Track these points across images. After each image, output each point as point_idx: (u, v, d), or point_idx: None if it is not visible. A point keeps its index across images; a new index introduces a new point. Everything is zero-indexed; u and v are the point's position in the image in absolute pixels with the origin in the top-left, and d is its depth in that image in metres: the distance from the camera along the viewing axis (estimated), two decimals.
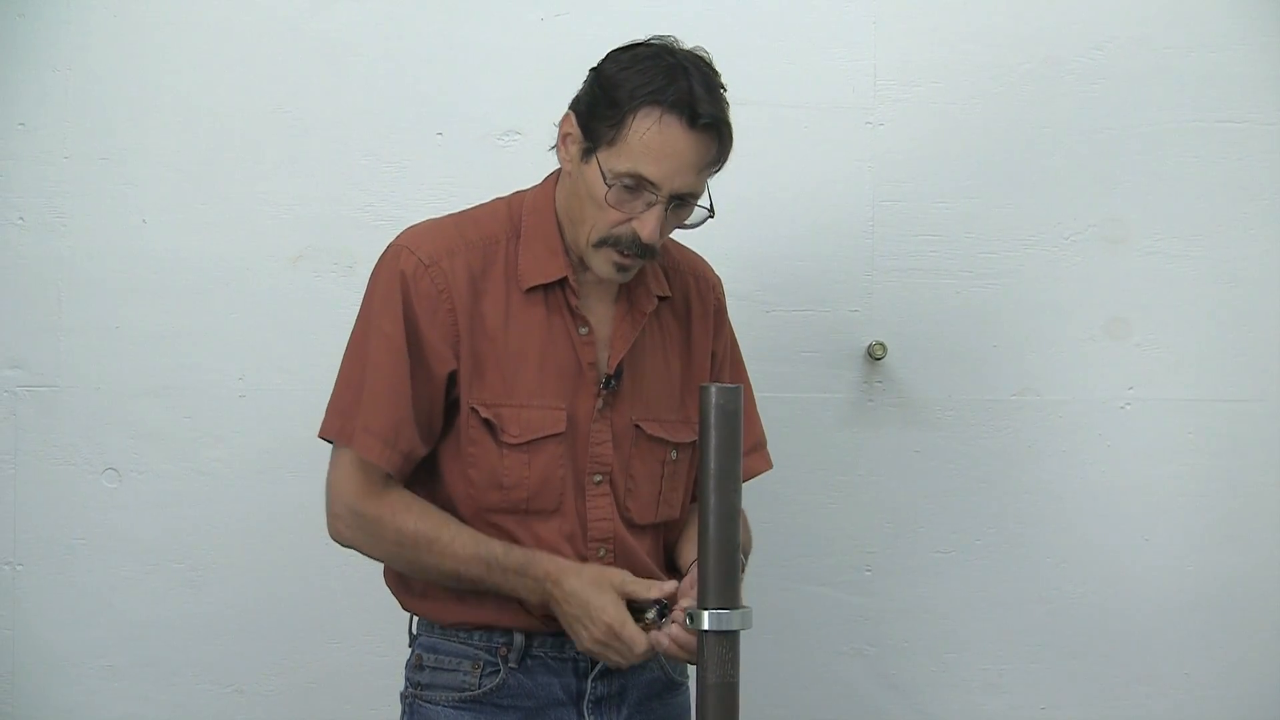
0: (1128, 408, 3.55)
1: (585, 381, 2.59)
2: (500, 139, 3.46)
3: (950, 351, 3.54)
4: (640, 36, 2.58)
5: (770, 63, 3.52)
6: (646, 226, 2.49)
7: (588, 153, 2.50)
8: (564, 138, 2.55)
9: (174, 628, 3.45)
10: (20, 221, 3.44)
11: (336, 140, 3.46)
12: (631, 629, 2.44)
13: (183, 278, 3.44)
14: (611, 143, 2.46)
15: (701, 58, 2.54)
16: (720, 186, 3.49)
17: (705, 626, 2.22)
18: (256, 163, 3.46)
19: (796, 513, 3.52)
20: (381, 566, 2.67)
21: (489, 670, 2.58)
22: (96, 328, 3.44)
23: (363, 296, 2.60)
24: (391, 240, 2.60)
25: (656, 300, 2.67)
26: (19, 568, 3.45)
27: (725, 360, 2.80)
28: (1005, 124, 3.54)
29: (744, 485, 2.51)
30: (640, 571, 2.56)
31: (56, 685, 3.45)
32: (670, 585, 2.48)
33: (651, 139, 2.45)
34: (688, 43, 2.57)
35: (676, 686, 2.72)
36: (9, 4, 3.42)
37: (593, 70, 2.55)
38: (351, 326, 2.61)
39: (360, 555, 2.62)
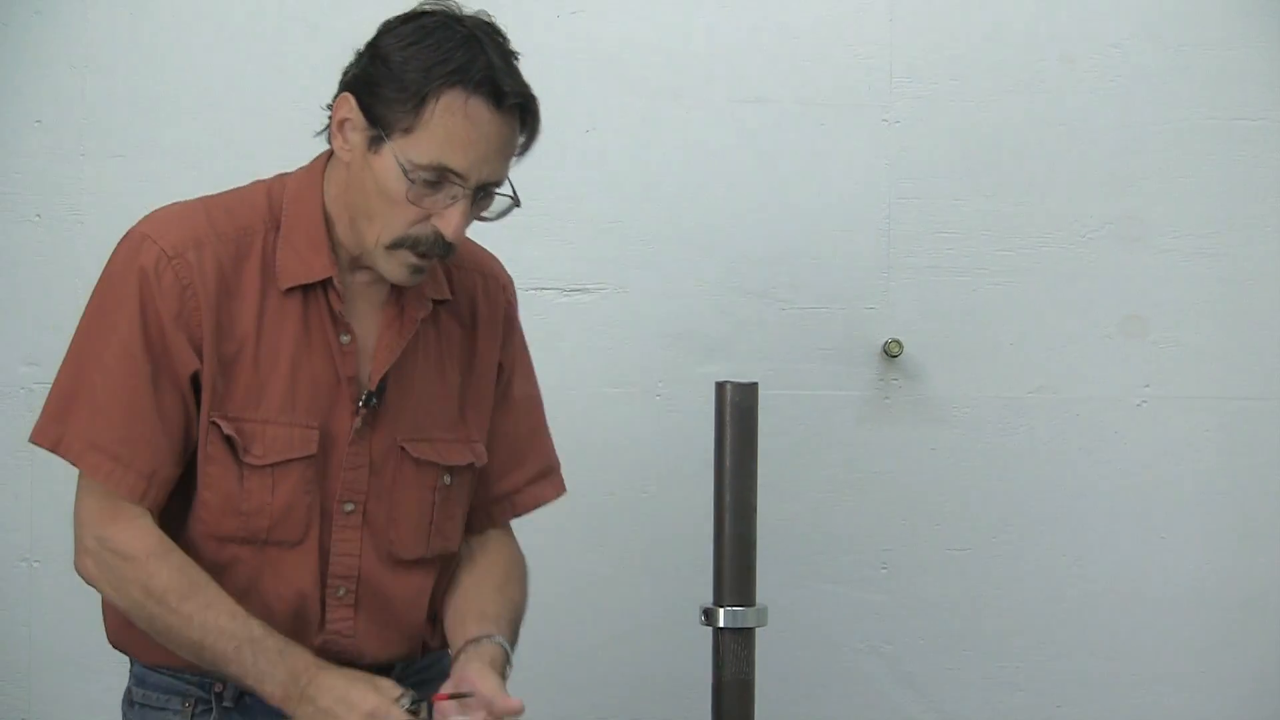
0: (1144, 405, 3.55)
1: (343, 397, 2.25)
2: None
3: (966, 349, 3.53)
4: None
5: (787, 61, 3.52)
6: (451, 223, 2.17)
7: (376, 141, 2.16)
8: (340, 123, 2.22)
9: None
10: (37, 218, 3.45)
11: None
12: (398, 713, 2.12)
13: None
14: (408, 130, 2.13)
15: (491, 23, 2.23)
16: (737, 184, 3.51)
17: (721, 624, 2.22)
18: (273, 160, 3.43)
19: (812, 510, 3.52)
20: None
21: (201, 709, 2.30)
22: None
23: (96, 285, 2.29)
24: (132, 226, 2.30)
25: (431, 305, 2.33)
26: (35, 565, 3.46)
27: (514, 371, 2.47)
28: (1021, 122, 3.54)
29: (527, 515, 2.49)
30: (385, 618, 2.31)
31: (73, 682, 3.46)
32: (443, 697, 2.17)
33: (457, 125, 2.13)
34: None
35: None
36: (26, 1, 3.43)
37: (369, 45, 2.23)
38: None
39: None
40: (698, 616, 2.28)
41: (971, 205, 3.53)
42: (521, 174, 2.42)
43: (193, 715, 2.31)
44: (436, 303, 2.35)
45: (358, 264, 2.28)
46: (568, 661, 3.45)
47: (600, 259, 3.47)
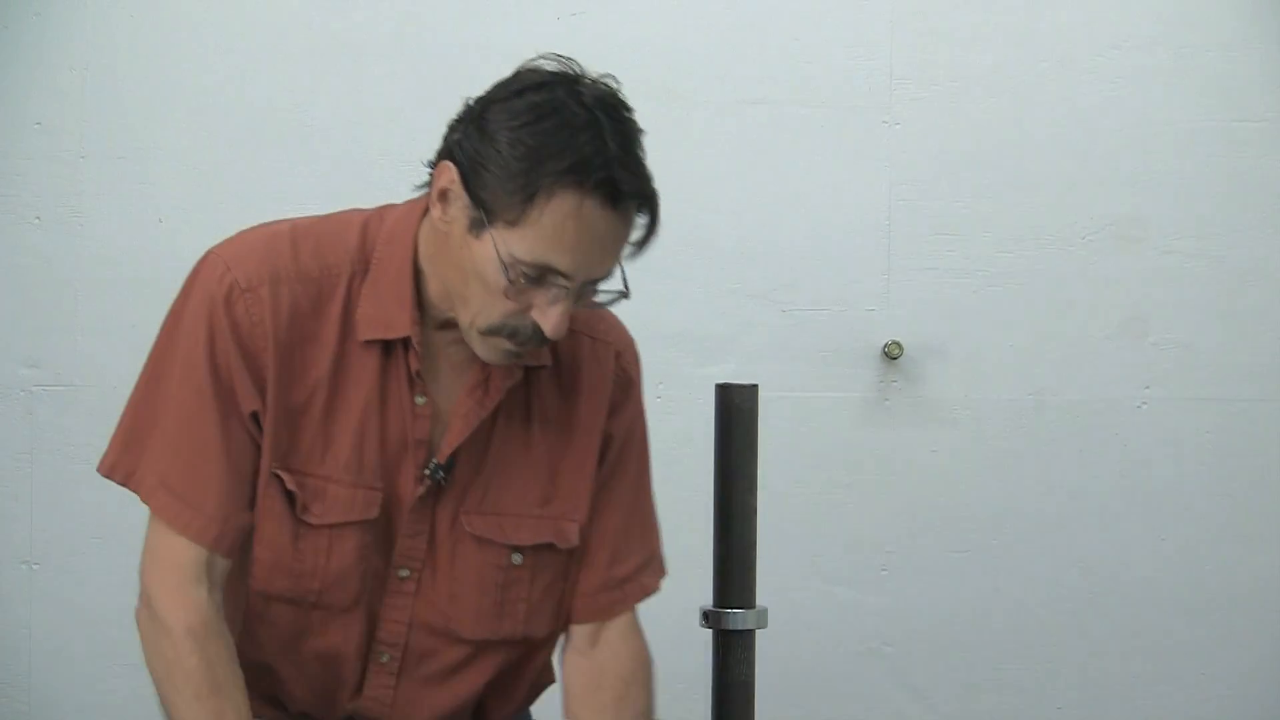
0: (1144, 407, 3.55)
1: (411, 460, 2.07)
2: None
3: (966, 351, 3.53)
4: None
5: (787, 63, 3.52)
6: (551, 321, 1.96)
7: (477, 225, 1.93)
8: (441, 192, 1.97)
9: None
10: (37, 220, 3.45)
11: (353, 140, 3.46)
12: None
13: None
14: (514, 224, 1.91)
15: (614, 95, 2.00)
16: (737, 186, 3.51)
17: (722, 626, 2.22)
18: (273, 162, 3.47)
19: (813, 512, 3.52)
20: None
21: None
22: (113, 327, 3.45)
23: (174, 299, 2.11)
24: (215, 245, 2.11)
25: (522, 373, 2.10)
26: (35, 567, 3.46)
27: (626, 449, 2.21)
28: (1021, 124, 3.54)
29: (637, 606, 2.24)
30: (443, 691, 2.16)
31: (72, 684, 3.46)
32: None
33: (568, 227, 1.91)
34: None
35: None
36: (26, 3, 3.43)
37: (477, 114, 1.98)
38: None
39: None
40: (698, 618, 2.28)
41: (971, 207, 3.53)
42: None
43: None
44: (529, 369, 2.12)
45: (444, 323, 2.06)
46: None
47: None
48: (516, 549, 2.13)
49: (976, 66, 3.54)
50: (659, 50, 3.48)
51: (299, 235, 2.10)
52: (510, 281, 1.93)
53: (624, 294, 2.07)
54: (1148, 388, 3.55)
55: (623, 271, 2.04)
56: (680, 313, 3.49)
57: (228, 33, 3.47)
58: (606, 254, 1.98)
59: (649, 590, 2.25)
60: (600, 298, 2.05)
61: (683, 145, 3.50)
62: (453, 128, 2.02)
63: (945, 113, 3.53)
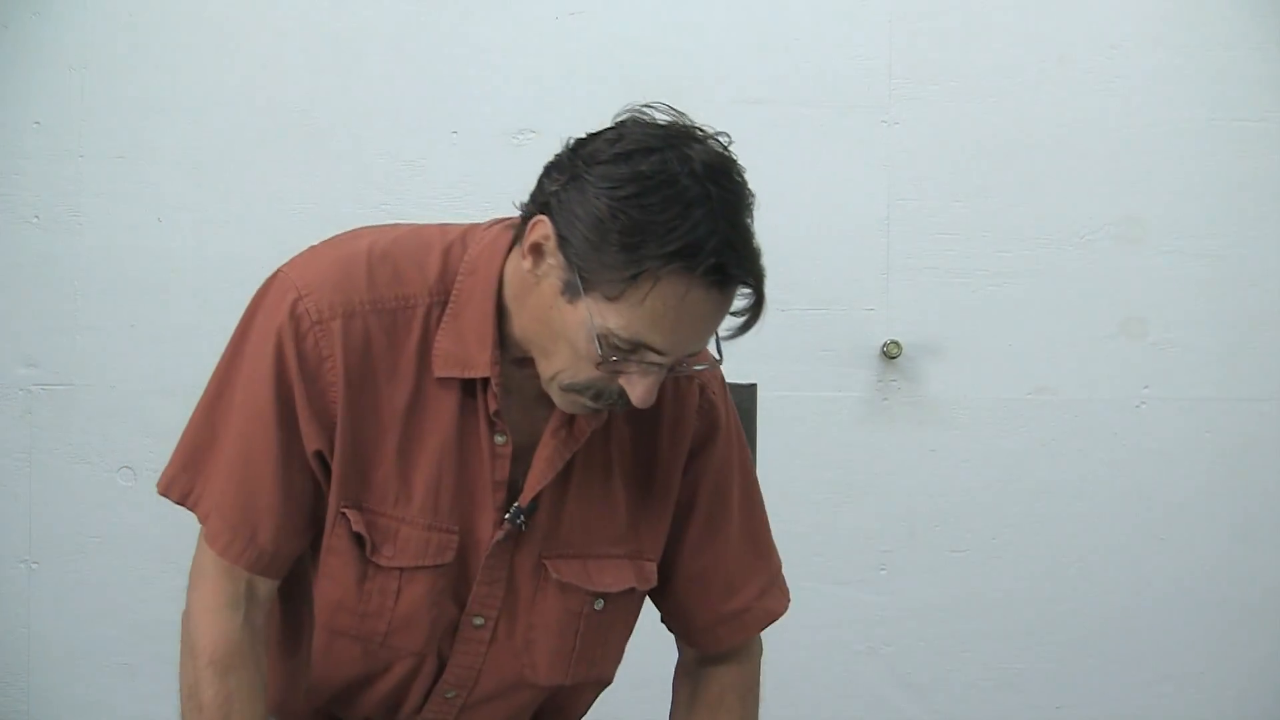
0: (1143, 407, 3.55)
1: (489, 502, 1.98)
2: (515, 137, 3.46)
3: (965, 351, 3.53)
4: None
5: (785, 62, 3.52)
6: (639, 392, 1.86)
7: (572, 290, 1.81)
8: (534, 246, 1.85)
9: None
10: (36, 220, 3.45)
11: (352, 139, 3.46)
12: None
13: (198, 276, 3.45)
14: (613, 299, 1.79)
15: (725, 159, 1.93)
16: None
17: None
18: (272, 161, 3.47)
19: (811, 511, 3.52)
20: None
21: None
22: (112, 326, 3.45)
23: (243, 313, 2.03)
24: (287, 262, 2.01)
25: (607, 415, 1.99)
26: (34, 566, 3.46)
27: (723, 481, 2.11)
28: (1020, 123, 3.54)
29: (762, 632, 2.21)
30: (493, 715, 2.10)
31: (72, 683, 3.46)
32: None
33: (669, 311, 1.81)
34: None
35: None
36: (25, 2, 3.43)
37: (575, 168, 1.85)
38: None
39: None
40: None
41: (970, 207, 3.53)
42: (521, 175, 2.42)
43: None
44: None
45: (524, 361, 1.95)
46: None
47: None
48: (600, 595, 2.06)
49: (975, 66, 3.54)
50: (658, 50, 3.48)
51: (375, 259, 1.96)
52: (602, 353, 1.82)
53: (718, 363, 1.99)
54: (1147, 387, 3.55)
55: (718, 340, 1.94)
56: None
57: (227, 32, 3.46)
58: (706, 333, 1.89)
59: (774, 614, 2.20)
60: (696, 366, 1.97)
61: None
62: (549, 175, 1.89)
63: (944, 112, 3.53)
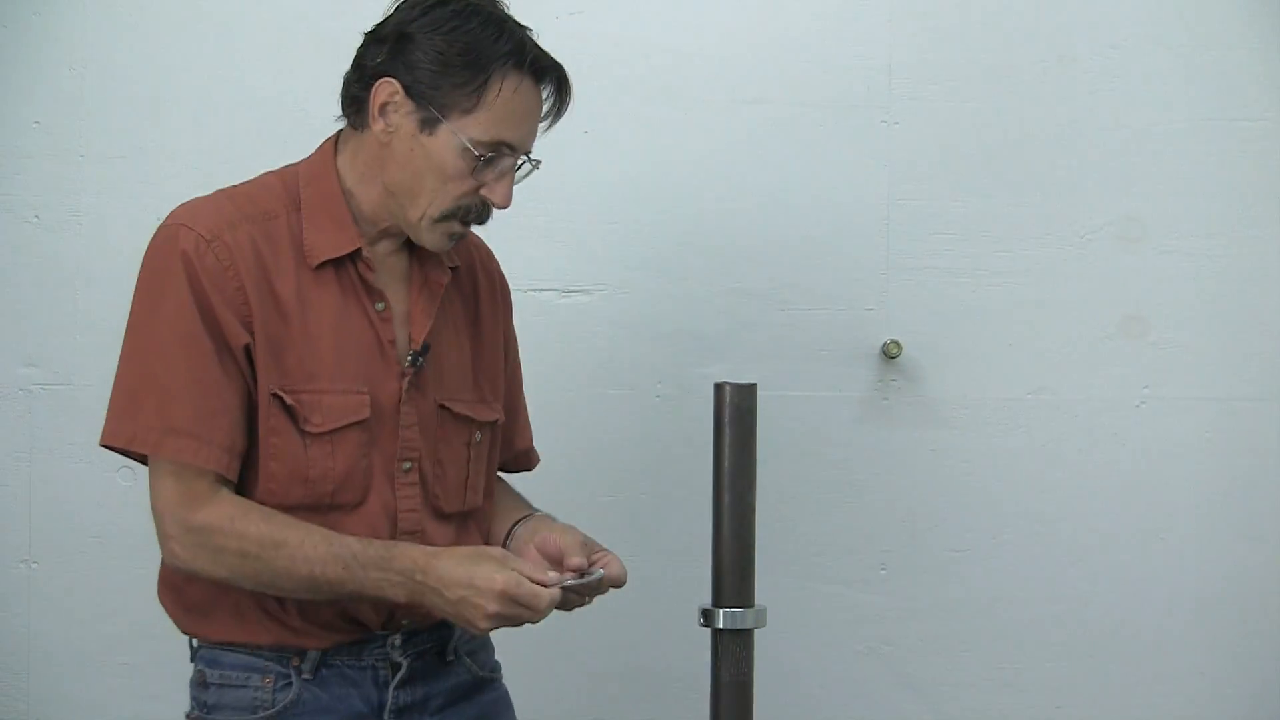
0: (1143, 406, 3.55)
1: (387, 361, 2.37)
2: None
3: (965, 350, 3.53)
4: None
5: (785, 61, 3.52)
6: (501, 193, 2.34)
7: (429, 123, 2.30)
8: (381, 107, 2.33)
9: None
10: (36, 219, 3.45)
11: None
12: (529, 585, 2.21)
13: None
14: (468, 111, 2.29)
15: (499, 2, 2.39)
16: (736, 185, 3.51)
17: (720, 625, 2.22)
18: (273, 161, 3.43)
19: (811, 511, 3.52)
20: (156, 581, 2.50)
21: (281, 684, 2.36)
22: (112, 326, 3.41)
23: (135, 286, 2.34)
24: (161, 222, 2.35)
25: (450, 272, 2.47)
26: (34, 566, 3.46)
27: (510, 341, 2.65)
28: (1021, 122, 3.54)
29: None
30: None
31: (72, 683, 3.46)
32: (554, 575, 2.27)
33: (515, 105, 2.31)
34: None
35: (487, 683, 2.57)
36: (25, 2, 3.43)
37: (397, 32, 2.34)
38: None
39: None
40: (696, 617, 2.28)
41: (970, 206, 3.53)
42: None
43: (274, 690, 2.36)
44: (450, 269, 2.48)
45: (378, 237, 2.40)
46: (565, 662, 3.45)
47: (599, 260, 3.47)
48: (480, 426, 2.49)
49: (976, 65, 3.53)
50: (657, 50, 3.48)
51: (231, 193, 2.39)
52: (475, 160, 2.30)
53: (536, 164, 2.40)
54: (1146, 387, 3.55)
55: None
56: (678, 312, 3.49)
57: (228, 32, 3.46)
58: (537, 125, 2.37)
59: (536, 462, 2.72)
60: (534, 159, 2.39)
61: (681, 144, 3.50)
62: (366, 56, 2.39)
63: (944, 112, 3.53)
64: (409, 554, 2.26)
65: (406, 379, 2.38)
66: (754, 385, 2.22)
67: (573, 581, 2.31)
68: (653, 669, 3.48)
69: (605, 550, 2.40)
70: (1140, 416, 3.55)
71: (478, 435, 2.49)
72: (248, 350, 2.29)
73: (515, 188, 2.40)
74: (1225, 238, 3.55)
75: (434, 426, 2.42)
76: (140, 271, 2.34)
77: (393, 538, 2.35)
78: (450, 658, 2.50)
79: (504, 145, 2.32)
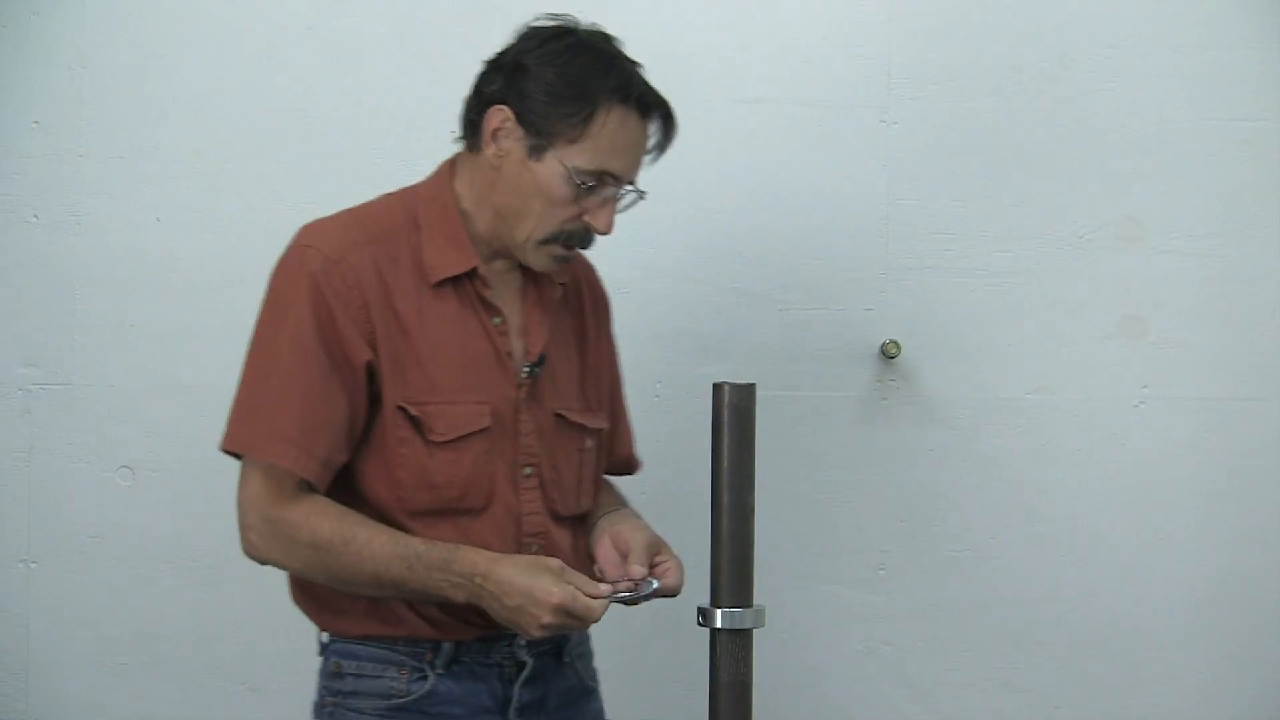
0: (1142, 406, 3.55)
1: (505, 372, 2.51)
2: None
3: (964, 350, 3.53)
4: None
5: (784, 61, 3.52)
6: (603, 220, 2.48)
7: (537, 150, 2.44)
8: (494, 132, 2.47)
9: (188, 625, 3.46)
10: (34, 219, 3.45)
11: (350, 140, 3.46)
12: (584, 600, 2.33)
13: (196, 276, 3.45)
14: (574, 140, 2.43)
15: (606, 34, 2.53)
16: (734, 185, 3.51)
17: (718, 625, 2.22)
18: (270, 161, 3.47)
19: (810, 511, 3.52)
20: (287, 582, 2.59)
21: (415, 676, 2.48)
22: (110, 325, 3.45)
23: (264, 300, 2.48)
24: (289, 243, 2.48)
25: (561, 288, 2.62)
26: (33, 565, 3.46)
27: (614, 360, 2.79)
28: (1020, 123, 3.54)
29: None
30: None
31: (70, 683, 3.46)
32: (606, 588, 2.39)
33: (620, 137, 2.44)
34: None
35: (590, 693, 2.69)
36: (23, 2, 3.43)
37: (514, 62, 2.48)
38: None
39: None
40: (695, 617, 2.28)
41: (969, 206, 3.53)
42: None
43: (409, 682, 2.48)
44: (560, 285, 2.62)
45: (493, 255, 2.53)
46: None
47: (597, 260, 3.46)
48: (590, 433, 2.62)
49: (975, 66, 3.53)
50: (656, 50, 3.43)
51: (354, 213, 2.53)
52: (578, 186, 2.43)
53: (642, 195, 2.53)
54: (1145, 387, 3.55)
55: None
56: (678, 312, 3.49)
57: (226, 32, 3.46)
58: (641, 157, 2.50)
59: (639, 465, 2.87)
60: (640, 189, 2.52)
61: (680, 144, 3.47)
62: (484, 83, 2.51)
63: (943, 112, 3.53)
64: (470, 558, 2.37)
65: (524, 389, 2.52)
66: (753, 385, 2.22)
67: (624, 595, 2.42)
68: (651, 669, 3.48)
69: (670, 557, 2.50)
70: (1139, 416, 3.55)
71: (589, 442, 2.63)
72: (369, 367, 2.43)
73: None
74: (1224, 238, 3.55)
75: (550, 434, 2.55)
76: (268, 288, 2.47)
77: (518, 540, 2.49)
78: (566, 659, 2.61)
79: (607, 174, 2.45)
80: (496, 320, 2.52)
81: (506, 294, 2.55)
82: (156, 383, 3.45)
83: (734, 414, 2.21)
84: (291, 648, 3.42)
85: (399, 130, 3.45)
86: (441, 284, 2.49)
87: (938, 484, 3.54)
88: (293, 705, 3.44)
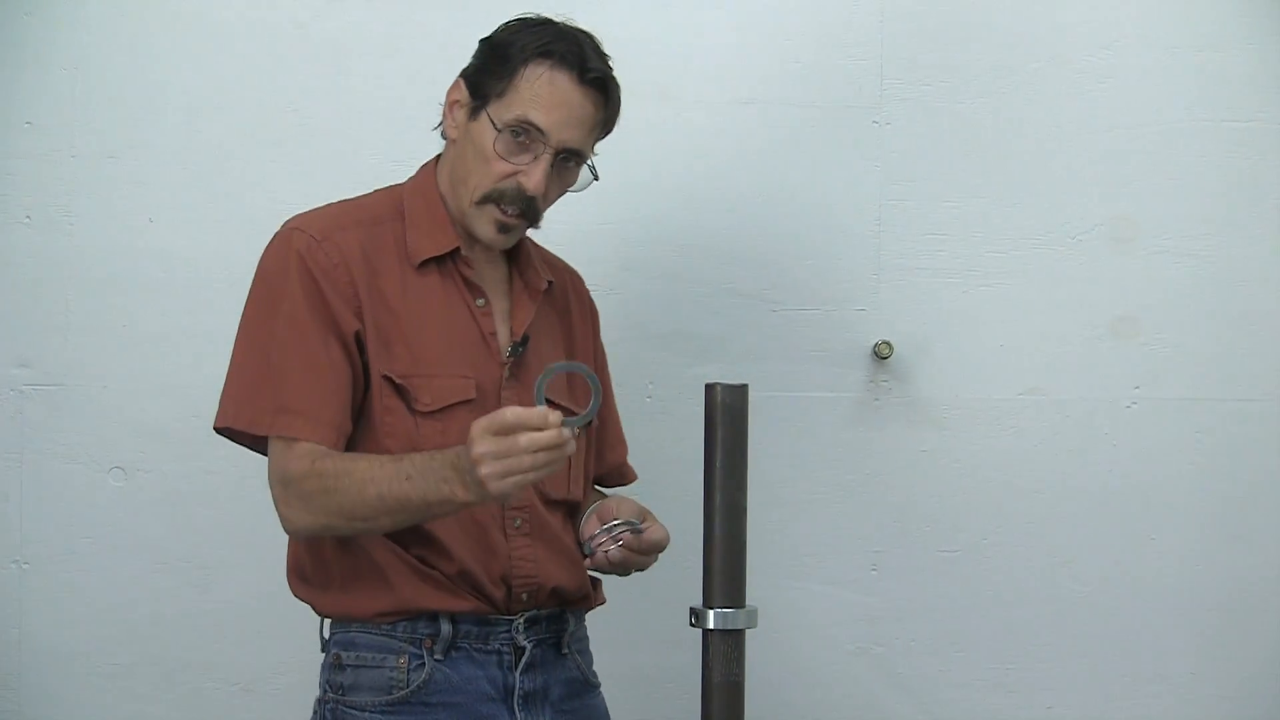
0: (1134, 407, 3.55)
1: (489, 351, 2.58)
2: None
3: (956, 351, 3.54)
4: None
5: (777, 62, 3.52)
6: (533, 177, 2.51)
7: (476, 110, 2.54)
8: (451, 105, 2.59)
9: (181, 626, 3.46)
10: (27, 220, 3.45)
11: (344, 140, 3.46)
12: (511, 410, 2.25)
13: (190, 276, 3.44)
14: (501, 95, 2.51)
15: (588, 32, 2.59)
16: (727, 185, 3.51)
17: (711, 625, 2.22)
18: (264, 162, 3.47)
19: (803, 511, 3.52)
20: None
21: (415, 664, 2.52)
22: (103, 326, 3.44)
23: (251, 286, 2.55)
24: (277, 230, 2.57)
25: (547, 283, 2.69)
26: (25, 566, 3.46)
27: (603, 364, 2.85)
28: (1012, 123, 3.54)
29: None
30: (555, 547, 2.60)
31: (62, 684, 3.46)
32: (547, 411, 2.27)
33: (541, 88, 2.50)
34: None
35: (593, 688, 2.73)
36: (16, 2, 3.43)
37: (483, 40, 2.61)
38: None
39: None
40: (687, 618, 2.28)
41: (962, 207, 3.53)
42: None
43: (408, 670, 2.51)
44: (548, 282, 2.69)
45: (473, 241, 2.60)
46: None
47: (591, 260, 3.46)
48: (577, 417, 2.50)
49: (968, 66, 3.54)
50: (649, 50, 3.48)
51: (339, 205, 2.62)
52: (498, 132, 2.49)
53: (595, 177, 2.63)
54: (1138, 388, 3.56)
55: (591, 164, 2.63)
56: (670, 312, 3.49)
57: (220, 32, 3.46)
58: (575, 120, 2.53)
59: (634, 477, 2.91)
60: (580, 180, 2.60)
61: (673, 145, 3.50)
62: (467, 65, 2.60)
63: (936, 113, 3.53)
64: (454, 449, 2.35)
65: (507, 368, 2.58)
66: (745, 386, 2.22)
67: (608, 526, 2.55)
68: (643, 669, 3.48)
69: (656, 522, 2.62)
70: (1132, 417, 3.55)
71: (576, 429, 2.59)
72: (358, 337, 2.50)
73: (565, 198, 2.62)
74: (1217, 238, 3.55)
75: None
76: (256, 272, 2.54)
77: (504, 512, 2.55)
78: (565, 650, 2.65)
79: (527, 124, 2.49)
80: (480, 302, 2.59)
81: (491, 280, 2.63)
82: (150, 384, 3.44)
83: (726, 414, 2.21)
84: (285, 649, 3.44)
85: (393, 131, 3.45)
86: (425, 265, 2.57)
87: (930, 484, 3.54)
88: (286, 706, 3.45)
